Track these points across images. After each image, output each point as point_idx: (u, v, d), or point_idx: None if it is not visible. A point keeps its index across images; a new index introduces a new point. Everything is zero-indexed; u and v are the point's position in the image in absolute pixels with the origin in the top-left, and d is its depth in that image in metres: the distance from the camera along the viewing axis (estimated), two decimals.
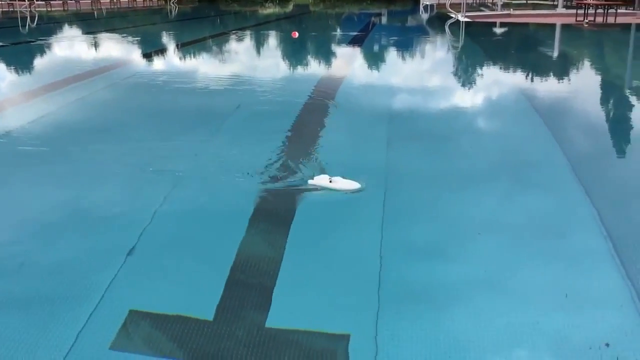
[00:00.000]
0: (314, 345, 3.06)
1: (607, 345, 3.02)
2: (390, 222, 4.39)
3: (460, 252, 3.98)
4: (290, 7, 43.20)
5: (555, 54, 15.61)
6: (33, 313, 3.31)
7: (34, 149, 6.16)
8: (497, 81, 10.89)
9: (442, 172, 5.45)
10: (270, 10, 41.27)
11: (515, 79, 11.06)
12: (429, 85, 10.41)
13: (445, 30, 22.36)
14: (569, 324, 3.22)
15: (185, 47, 17.38)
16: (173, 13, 34.82)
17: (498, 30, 22.10)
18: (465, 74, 12.12)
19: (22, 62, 13.94)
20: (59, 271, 3.76)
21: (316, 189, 4.84)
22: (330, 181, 4.80)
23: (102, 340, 3.08)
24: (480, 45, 16.92)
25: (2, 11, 33.06)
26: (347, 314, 3.32)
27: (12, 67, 13.06)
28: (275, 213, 4.63)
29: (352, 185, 4.81)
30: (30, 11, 30.78)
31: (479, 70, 12.53)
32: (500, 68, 12.96)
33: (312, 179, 4.92)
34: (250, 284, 3.63)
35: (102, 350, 3.01)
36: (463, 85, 10.56)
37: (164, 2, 43.62)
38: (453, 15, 26.18)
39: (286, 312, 3.34)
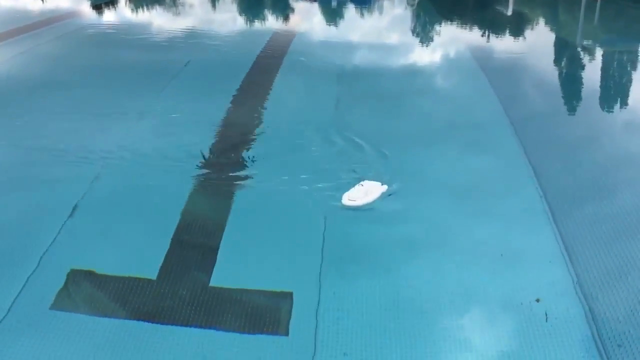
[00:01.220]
0: (257, 303, 3.15)
1: (538, 300, 3.18)
2: (333, 182, 4.46)
3: (402, 213, 4.09)
4: None
5: (509, 12, 15.70)
6: None
7: None
8: (447, 41, 10.93)
9: (387, 132, 5.51)
10: None
11: (465, 38, 11.11)
12: (380, 44, 10.38)
13: None
14: (501, 282, 3.38)
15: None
16: None
17: None
18: (418, 36, 12.12)
19: None
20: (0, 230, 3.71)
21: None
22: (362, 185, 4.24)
23: (43, 300, 3.08)
24: (435, 6, 16.90)
25: None
26: (291, 274, 3.42)
27: None
28: (219, 175, 4.62)
29: (381, 189, 4.27)
30: None
31: (431, 30, 12.55)
32: (452, 27, 12.99)
33: (348, 199, 4.15)
34: (194, 244, 3.66)
35: (42, 311, 3.02)
36: (414, 45, 10.57)
37: None
38: None
39: (230, 272, 3.41)
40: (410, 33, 12.45)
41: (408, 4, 17.31)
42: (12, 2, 15.23)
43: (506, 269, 3.49)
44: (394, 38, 11.46)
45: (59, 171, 4.52)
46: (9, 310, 2.99)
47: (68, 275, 3.27)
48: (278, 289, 3.27)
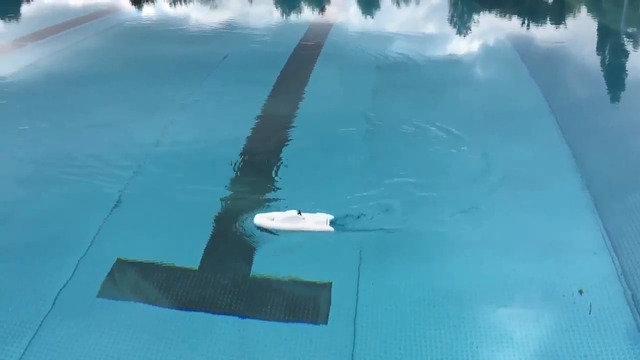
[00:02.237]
0: (297, 293, 3.18)
1: (581, 292, 3.14)
2: (373, 174, 4.47)
3: (440, 203, 4.07)
4: None
5: (550, 0, 15.37)
6: (21, 263, 3.39)
7: (26, 95, 6.21)
8: (486, 29, 10.76)
9: (426, 123, 5.46)
10: None
11: (504, 27, 10.92)
12: (418, 33, 10.28)
13: None
14: (543, 273, 3.34)
15: None
16: None
17: None
18: (456, 23, 11.96)
19: (8, 9, 13.63)
20: (47, 221, 3.81)
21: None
22: (299, 213, 3.80)
23: (90, 288, 3.17)
24: None
25: None
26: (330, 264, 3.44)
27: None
28: (260, 163, 4.67)
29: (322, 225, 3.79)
30: None
31: (470, 19, 12.36)
32: (491, 16, 12.77)
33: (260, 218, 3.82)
34: (234, 235, 3.71)
35: (89, 298, 3.10)
36: (453, 34, 10.44)
37: None
38: None
39: (269, 262, 3.45)
40: (448, 22, 12.30)
41: None
42: (53, 1, 15.60)
43: (549, 260, 3.45)
44: (432, 27, 11.33)
45: (102, 163, 4.61)
46: (57, 296, 3.09)
47: (114, 264, 3.35)
48: (318, 279, 3.29)
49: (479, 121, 5.56)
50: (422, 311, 3.03)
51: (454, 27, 11.77)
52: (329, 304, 3.10)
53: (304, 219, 3.75)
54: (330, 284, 3.23)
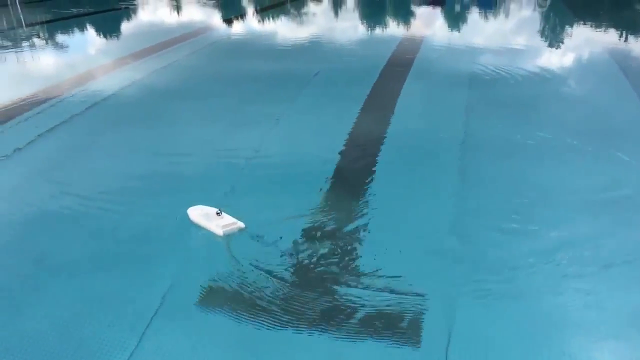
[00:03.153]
0: (389, 309, 3.18)
1: None
2: (465, 190, 4.40)
3: (536, 228, 3.94)
4: None
5: None
6: (125, 272, 3.57)
7: (130, 111, 6.61)
8: (584, 43, 10.39)
9: (522, 142, 5.34)
10: None
11: (604, 40, 10.50)
12: (511, 48, 10.08)
13: None
14: None
15: (266, 11, 17.53)
16: None
17: None
18: (551, 38, 11.63)
19: (113, 29, 14.55)
20: (149, 232, 3.99)
21: None
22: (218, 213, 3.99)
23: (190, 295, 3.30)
24: (569, 5, 16.10)
25: None
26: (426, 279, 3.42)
27: (106, 35, 13.68)
28: (349, 180, 4.71)
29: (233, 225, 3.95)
30: None
31: (565, 33, 11.97)
32: (589, 28, 12.31)
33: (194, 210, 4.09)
34: (326, 245, 3.75)
35: (189, 305, 3.23)
36: (547, 47, 10.16)
37: None
38: None
39: (363, 276, 3.46)
40: (541, 35, 11.99)
41: (538, 5, 16.66)
42: (153, 20, 16.48)
43: None
44: (524, 40, 11.08)
45: (196, 178, 4.79)
46: (161, 302, 3.23)
47: (212, 274, 3.48)
48: (412, 296, 3.26)
49: (580, 140, 5.36)
50: (520, 344, 2.93)
51: (547, 39, 11.47)
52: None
53: (222, 218, 3.91)
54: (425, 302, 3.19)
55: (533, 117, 6.08)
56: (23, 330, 3.04)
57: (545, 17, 14.64)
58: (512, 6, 17.54)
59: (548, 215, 4.05)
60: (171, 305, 3.21)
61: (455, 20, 14.78)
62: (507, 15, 15.44)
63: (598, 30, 12.09)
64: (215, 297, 3.29)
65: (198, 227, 3.98)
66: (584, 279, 3.34)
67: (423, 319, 3.07)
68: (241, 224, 3.95)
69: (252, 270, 3.48)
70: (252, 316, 3.11)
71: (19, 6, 18.70)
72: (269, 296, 3.26)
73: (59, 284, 3.42)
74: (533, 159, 4.95)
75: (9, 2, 20.45)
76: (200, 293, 3.30)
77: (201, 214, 4.03)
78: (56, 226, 4.07)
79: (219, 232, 3.88)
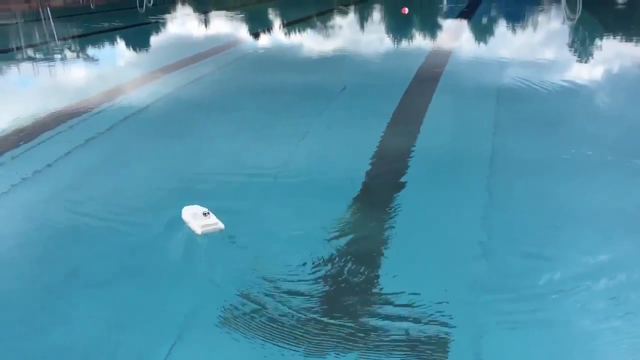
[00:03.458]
0: (416, 336, 3.14)
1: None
2: (494, 210, 4.35)
3: (561, 250, 3.86)
4: None
5: None
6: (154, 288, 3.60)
7: (160, 124, 6.73)
8: (615, 59, 10.24)
9: (552, 157, 5.27)
10: None
11: (636, 55, 10.35)
12: (540, 61, 9.98)
13: (560, 2, 21.16)
14: None
15: (293, 25, 17.66)
16: None
17: (621, 1, 20.63)
18: (581, 51, 11.50)
19: (144, 43, 14.81)
20: (177, 246, 4.02)
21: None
22: (205, 214, 4.13)
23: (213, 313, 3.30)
24: (599, 18, 15.91)
25: None
26: (451, 305, 3.36)
27: (135, 49, 13.94)
28: (375, 195, 4.70)
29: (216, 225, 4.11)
30: None
31: (596, 47, 11.82)
32: (621, 44, 12.14)
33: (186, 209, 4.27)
34: (355, 268, 3.73)
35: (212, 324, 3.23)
36: (578, 63, 10.04)
37: None
38: None
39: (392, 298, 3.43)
40: (571, 48, 11.87)
41: (567, 18, 16.52)
42: (182, 34, 16.73)
43: None
44: (553, 54, 10.98)
45: (222, 192, 4.81)
46: (190, 316, 3.25)
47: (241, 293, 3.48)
48: (436, 325, 3.20)
49: (615, 157, 5.26)
50: None
51: (577, 52, 11.35)
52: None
53: (208, 218, 4.07)
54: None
55: (563, 132, 6.00)
56: (52, 344, 3.07)
57: (575, 30, 14.49)
58: (540, 18, 17.43)
59: (581, 237, 3.97)
60: (201, 319, 3.22)
61: (482, 32, 14.72)
62: (535, 28, 15.34)
63: (629, 43, 11.92)
64: (243, 314, 3.28)
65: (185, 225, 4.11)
66: (620, 307, 3.24)
67: (448, 349, 2.97)
68: (221, 225, 4.06)
69: (269, 290, 3.47)
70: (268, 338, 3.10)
71: (52, 21, 19.14)
72: (285, 315, 3.24)
73: (89, 297, 3.46)
74: (565, 178, 4.87)
75: (42, 17, 20.93)
76: (228, 308, 3.30)
77: (191, 213, 4.17)
78: (86, 240, 4.12)
79: (198, 230, 4.00)
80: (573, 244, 3.87)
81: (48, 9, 25.08)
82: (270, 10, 23.34)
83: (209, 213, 4.12)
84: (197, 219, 4.10)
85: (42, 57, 12.66)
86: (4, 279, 3.69)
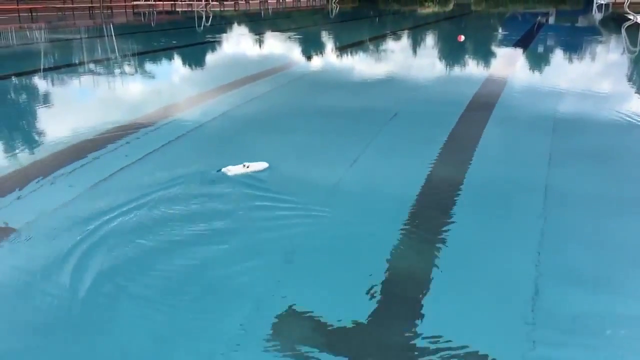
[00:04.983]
0: None
1: None
2: (547, 248, 4.23)
3: (621, 285, 3.74)
4: (450, 6, 42.48)
5: None
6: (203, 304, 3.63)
7: (214, 143, 6.86)
8: None
9: (606, 196, 5.12)
10: (430, 9, 40.86)
11: None
12: (598, 96, 9.75)
13: (621, 33, 20.70)
14: None
15: (344, 49, 17.83)
16: (334, 13, 35.72)
17: None
18: (637, 81, 11.20)
19: (199, 62, 15.20)
20: (210, 266, 4.06)
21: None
22: (246, 167, 5.47)
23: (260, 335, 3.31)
24: None
25: (182, 11, 36.12)
26: (496, 338, 3.28)
27: (192, 67, 14.32)
28: (425, 230, 4.64)
29: (262, 165, 5.55)
30: (206, 11, 33.26)
31: None
32: None
33: (228, 169, 5.50)
34: (399, 295, 3.70)
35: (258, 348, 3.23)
36: (636, 98, 9.77)
37: (325, 2, 44.79)
38: (631, 17, 24.13)
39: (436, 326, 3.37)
40: (630, 82, 11.58)
41: (628, 50, 16.17)
42: (237, 55, 17.09)
43: None
44: (611, 87, 10.73)
45: (272, 215, 4.82)
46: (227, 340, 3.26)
47: (282, 315, 3.48)
48: (482, 352, 3.15)
49: None
50: None
51: (636, 85, 11.07)
52: None
53: (248, 167, 5.46)
54: None
55: (620, 169, 5.83)
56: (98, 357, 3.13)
57: (635, 63, 14.13)
58: (599, 49, 17.10)
59: (636, 279, 3.83)
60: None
61: (540, 62, 14.52)
62: (593, 59, 15.04)
63: None
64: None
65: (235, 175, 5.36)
66: None
67: None
68: (264, 164, 5.53)
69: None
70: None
71: (114, 38, 19.85)
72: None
73: (135, 312, 3.51)
74: (622, 217, 4.71)
75: (105, 34, 21.74)
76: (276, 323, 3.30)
77: (233, 168, 5.46)
78: (134, 253, 4.19)
79: (242, 170, 5.42)
80: (631, 287, 3.73)
81: (112, 24, 26.06)
82: (323, 33, 23.63)
83: (247, 165, 5.41)
84: (239, 169, 5.40)
85: (104, 72, 13.12)
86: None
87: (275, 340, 3.24)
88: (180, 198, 5.12)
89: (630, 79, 11.87)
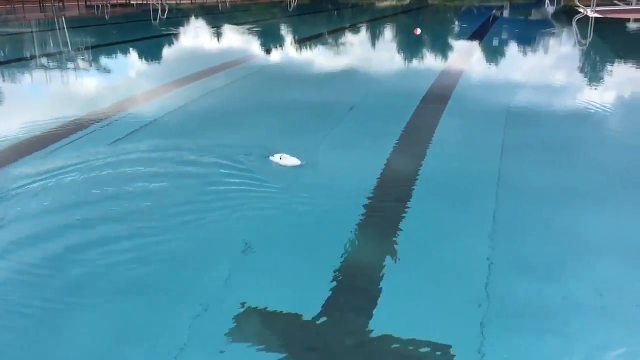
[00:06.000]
0: (416, 353, 3.11)
1: None
2: (500, 238, 4.31)
3: (571, 274, 3.84)
4: (407, 0, 42.83)
5: None
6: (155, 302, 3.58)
7: (169, 138, 6.71)
8: (626, 85, 10.22)
9: (558, 186, 5.24)
10: (387, 3, 41.11)
11: None
12: (551, 88, 9.97)
13: (572, 27, 21.21)
14: None
15: (303, 42, 17.79)
16: (292, 6, 35.58)
17: (633, 28, 20.65)
18: (591, 77, 11.49)
19: (156, 56, 14.96)
20: (178, 262, 4.01)
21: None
22: (281, 158, 5.65)
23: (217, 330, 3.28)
24: (610, 45, 15.90)
25: (137, 4, 35.45)
26: (450, 326, 3.33)
27: (149, 62, 14.08)
28: (381, 221, 4.67)
29: (294, 161, 5.64)
30: (162, 4, 32.72)
31: (606, 73, 11.80)
32: (632, 70, 12.13)
33: (273, 157, 5.74)
34: (355, 286, 3.72)
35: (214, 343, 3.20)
36: (588, 90, 10.02)
37: None
38: (582, 10, 24.74)
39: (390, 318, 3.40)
40: (582, 74, 11.89)
41: (579, 44, 16.57)
42: (193, 48, 16.88)
43: None
44: (563, 79, 10.98)
45: (227, 210, 4.79)
46: (188, 339, 3.23)
47: (240, 310, 3.46)
48: (437, 342, 3.18)
49: (626, 187, 5.21)
50: None
51: (588, 78, 11.37)
52: None
53: (280, 159, 5.66)
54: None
55: (572, 160, 5.97)
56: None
57: (586, 55, 14.50)
58: (551, 42, 17.49)
59: (584, 268, 3.93)
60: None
61: (494, 55, 14.76)
62: (546, 52, 15.37)
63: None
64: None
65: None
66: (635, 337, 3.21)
67: None
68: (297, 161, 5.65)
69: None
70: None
71: (67, 31, 19.36)
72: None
73: (95, 309, 3.44)
74: (573, 207, 4.82)
75: (57, 27, 21.17)
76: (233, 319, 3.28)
77: (280, 157, 5.70)
78: (95, 249, 4.11)
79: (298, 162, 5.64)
80: (577, 274, 3.83)
81: (63, 18, 25.39)
82: (281, 27, 23.53)
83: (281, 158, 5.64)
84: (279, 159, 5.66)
85: (55, 66, 12.79)
86: None
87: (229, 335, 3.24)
88: (131, 194, 5.05)
89: (581, 71, 12.18)
